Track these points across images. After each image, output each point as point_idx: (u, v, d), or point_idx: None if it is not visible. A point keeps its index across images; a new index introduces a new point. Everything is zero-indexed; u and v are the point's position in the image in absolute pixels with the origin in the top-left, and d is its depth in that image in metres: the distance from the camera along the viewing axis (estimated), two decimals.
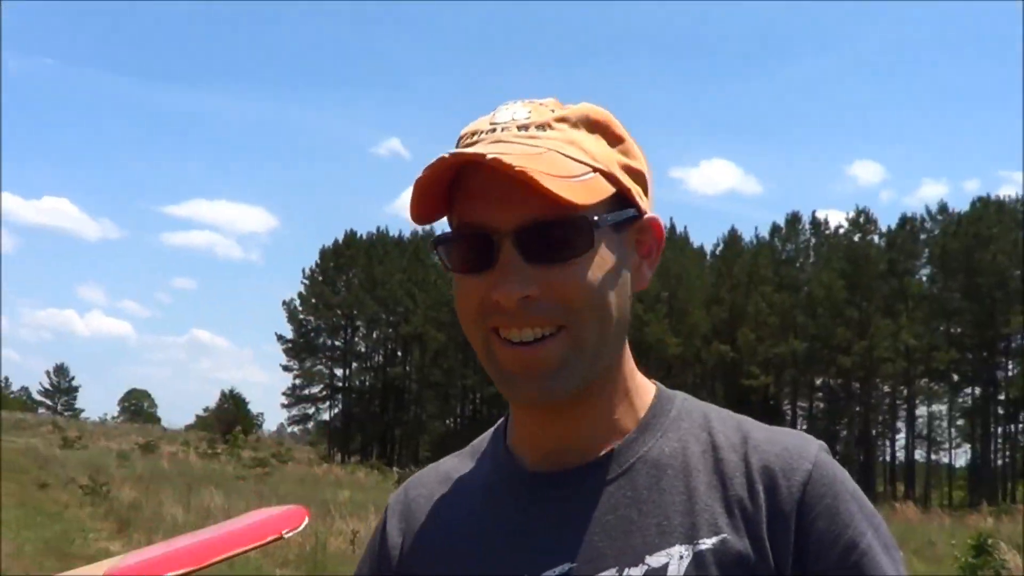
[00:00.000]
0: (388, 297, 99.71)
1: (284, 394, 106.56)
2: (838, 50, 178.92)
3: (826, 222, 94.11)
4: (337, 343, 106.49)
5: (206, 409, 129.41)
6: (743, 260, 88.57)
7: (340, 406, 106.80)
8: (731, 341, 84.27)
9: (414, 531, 1.62)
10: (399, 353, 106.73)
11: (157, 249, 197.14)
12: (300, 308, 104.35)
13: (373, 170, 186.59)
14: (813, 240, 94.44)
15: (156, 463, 43.56)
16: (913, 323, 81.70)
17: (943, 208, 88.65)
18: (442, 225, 1.47)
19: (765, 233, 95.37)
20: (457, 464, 1.68)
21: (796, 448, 1.46)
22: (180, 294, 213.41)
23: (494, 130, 1.45)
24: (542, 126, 1.44)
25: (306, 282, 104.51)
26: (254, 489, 30.85)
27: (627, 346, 1.54)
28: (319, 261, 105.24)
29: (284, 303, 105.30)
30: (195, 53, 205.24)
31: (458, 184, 1.44)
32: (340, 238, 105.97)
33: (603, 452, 1.50)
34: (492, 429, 1.68)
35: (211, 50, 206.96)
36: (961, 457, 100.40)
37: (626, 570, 1.40)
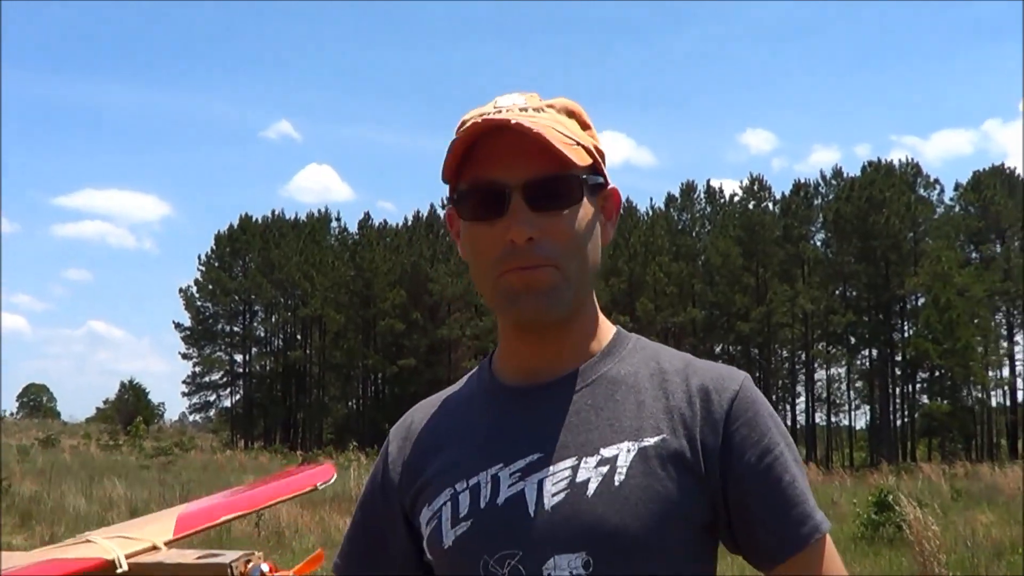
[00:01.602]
0: (286, 280, 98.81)
1: (184, 382, 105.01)
2: (726, 19, 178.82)
3: (720, 191, 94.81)
4: (236, 329, 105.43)
5: (106, 401, 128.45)
6: (639, 231, 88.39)
7: (241, 392, 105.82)
8: (630, 312, 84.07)
9: (413, 445, 1.94)
10: (299, 336, 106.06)
11: (49, 241, 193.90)
12: (197, 295, 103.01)
13: (264, 153, 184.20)
14: (708, 209, 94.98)
15: (57, 456, 43.35)
16: (809, 288, 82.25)
17: (836, 173, 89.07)
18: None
19: (660, 203, 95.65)
20: (448, 391, 2.03)
21: (728, 373, 1.83)
22: (75, 286, 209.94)
23: (500, 112, 1.76)
24: (537, 109, 1.80)
25: (202, 268, 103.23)
26: (158, 478, 30.72)
27: (593, 293, 1.90)
28: (214, 247, 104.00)
29: (181, 290, 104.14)
30: (79, 42, 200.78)
31: (469, 152, 1.77)
32: (235, 223, 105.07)
33: (571, 370, 1.84)
34: (482, 362, 2.01)
35: (95, 38, 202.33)
36: (860, 419, 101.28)
37: (584, 458, 1.72)
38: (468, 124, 1.72)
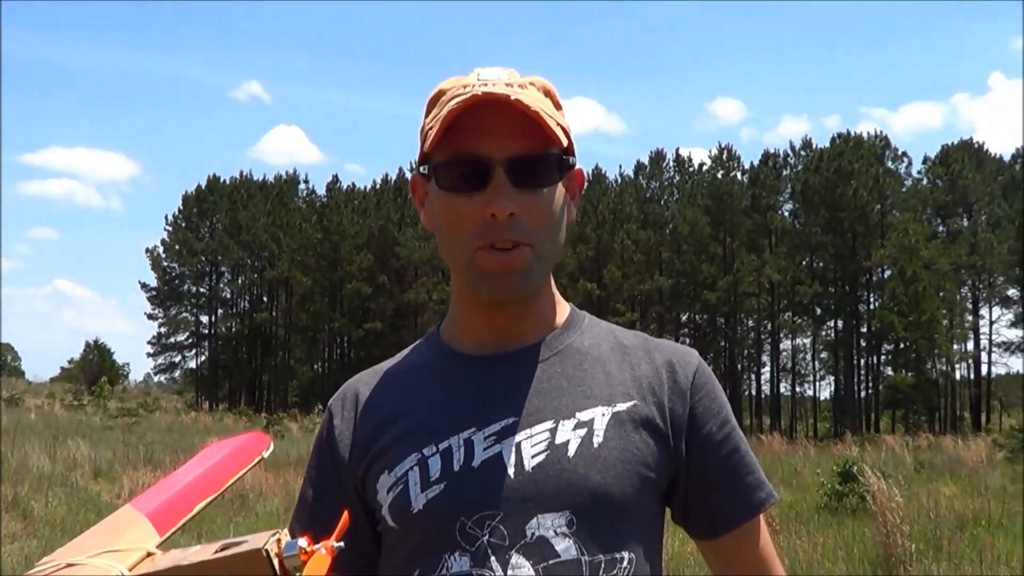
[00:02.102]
0: (253, 242, 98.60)
1: (150, 343, 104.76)
2: None
3: (689, 159, 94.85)
4: (202, 290, 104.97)
5: (71, 361, 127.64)
6: (608, 198, 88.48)
7: (207, 353, 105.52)
8: (597, 279, 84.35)
9: (363, 415, 1.91)
10: (265, 298, 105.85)
11: (15, 198, 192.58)
12: (163, 255, 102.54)
13: (233, 114, 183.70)
14: (677, 177, 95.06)
15: (21, 416, 42.70)
16: (776, 258, 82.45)
17: (805, 144, 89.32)
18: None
19: (629, 171, 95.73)
20: (392, 363, 2.01)
21: (685, 349, 1.92)
22: (41, 244, 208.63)
23: (485, 84, 1.75)
24: (521, 86, 1.78)
25: (169, 229, 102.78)
26: (122, 439, 30.65)
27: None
28: (182, 207, 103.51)
29: (147, 251, 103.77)
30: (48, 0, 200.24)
31: (453, 122, 1.73)
32: (203, 183, 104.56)
33: (536, 341, 1.87)
34: (422, 338, 2.04)
35: None
36: (825, 389, 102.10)
37: (561, 421, 1.76)
38: (459, 95, 1.72)
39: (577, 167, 1.90)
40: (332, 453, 1.92)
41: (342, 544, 1.47)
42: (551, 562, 1.67)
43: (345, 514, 1.58)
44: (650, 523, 1.80)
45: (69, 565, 1.49)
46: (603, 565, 1.69)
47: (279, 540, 1.41)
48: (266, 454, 1.89)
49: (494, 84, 1.75)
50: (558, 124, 1.77)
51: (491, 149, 1.72)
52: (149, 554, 1.50)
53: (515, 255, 1.74)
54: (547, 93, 1.84)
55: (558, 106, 1.86)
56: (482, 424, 1.78)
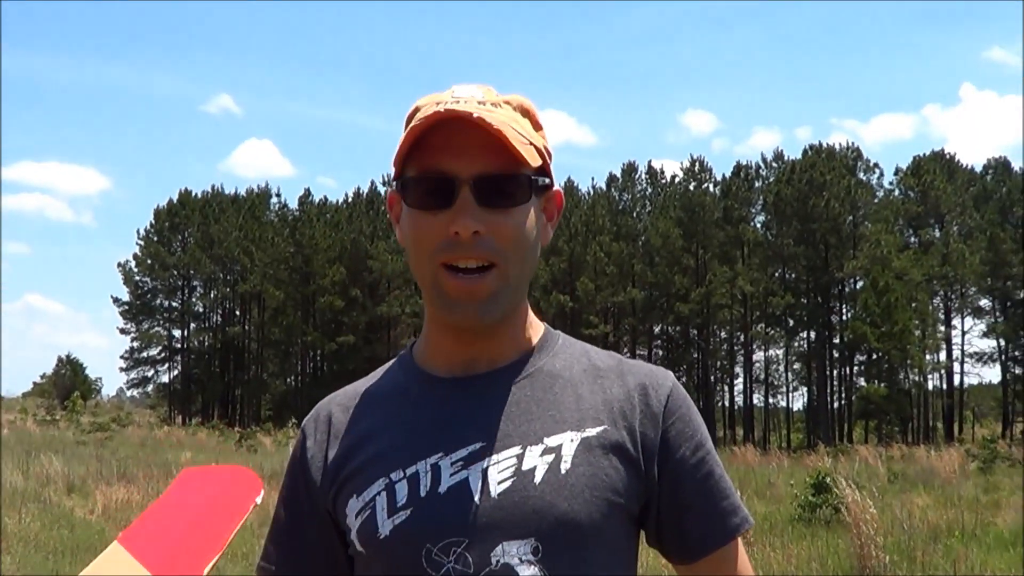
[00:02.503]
0: (225, 256, 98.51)
1: (122, 357, 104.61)
2: (669, 0, 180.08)
3: (662, 172, 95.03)
4: (174, 304, 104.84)
5: (43, 376, 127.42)
6: (580, 210, 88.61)
7: (179, 368, 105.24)
8: (570, 291, 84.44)
9: (336, 438, 1.90)
10: (237, 312, 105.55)
11: None
12: (136, 270, 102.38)
13: (205, 128, 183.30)
14: (649, 190, 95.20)
15: None
16: (749, 269, 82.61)
17: (777, 156, 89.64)
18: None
19: (602, 183, 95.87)
20: (365, 384, 1.98)
21: (660, 372, 1.89)
22: (12, 259, 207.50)
23: (458, 101, 1.74)
24: (495, 104, 1.78)
25: (141, 243, 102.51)
26: (95, 454, 30.59)
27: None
28: (153, 221, 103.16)
29: (119, 265, 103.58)
30: (17, 13, 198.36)
31: (421, 139, 1.74)
32: (174, 197, 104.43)
33: (507, 363, 1.85)
34: (395, 359, 2.02)
35: (34, 10, 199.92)
36: (798, 400, 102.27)
37: (528, 447, 1.74)
38: (429, 112, 1.71)
39: (555, 189, 1.88)
40: (304, 475, 1.91)
41: None
42: None
43: None
44: (620, 550, 1.79)
45: None
46: None
47: None
48: (259, 500, 1.93)
49: (466, 102, 1.74)
50: (531, 144, 1.76)
51: (458, 167, 1.70)
52: None
53: (478, 280, 1.73)
54: (525, 112, 1.84)
55: (537, 126, 1.85)
56: (449, 449, 1.77)
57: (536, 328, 1.93)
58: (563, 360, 1.89)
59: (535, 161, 1.74)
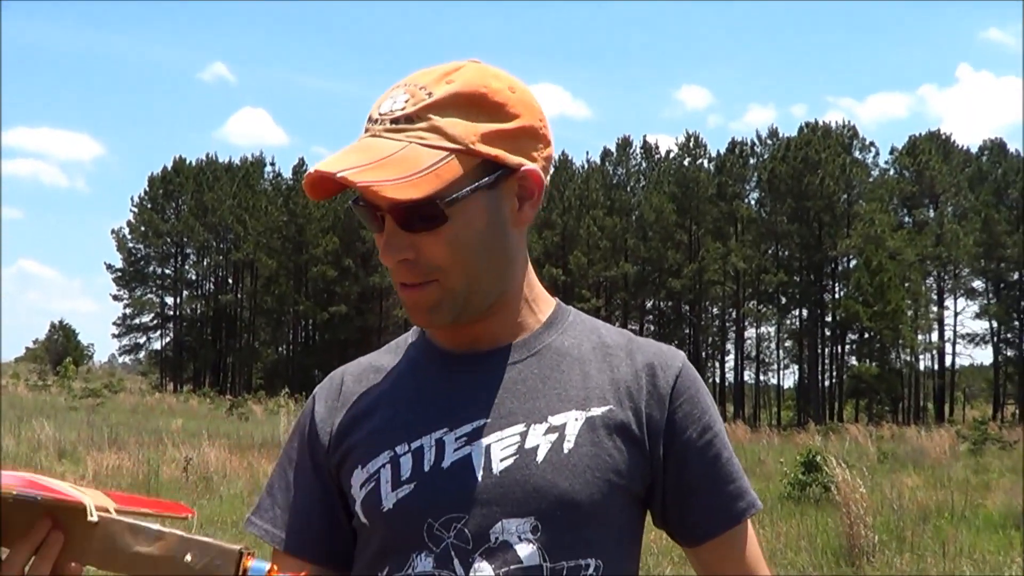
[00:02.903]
0: (218, 224, 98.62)
1: (115, 324, 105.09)
2: None
3: (656, 147, 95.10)
4: (167, 271, 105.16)
5: (36, 341, 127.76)
6: (574, 184, 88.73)
7: (171, 335, 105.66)
8: (563, 265, 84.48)
9: (345, 406, 1.89)
10: (230, 280, 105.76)
11: None
12: (129, 236, 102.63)
13: (199, 95, 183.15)
14: (643, 164, 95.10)
15: None
16: (742, 246, 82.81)
17: (772, 133, 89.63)
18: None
19: (596, 157, 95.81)
20: (379, 357, 1.98)
21: (669, 351, 1.86)
22: (6, 224, 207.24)
23: (377, 121, 1.72)
24: (411, 117, 1.69)
25: (135, 210, 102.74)
26: (86, 420, 30.55)
27: (529, 269, 1.88)
28: (147, 188, 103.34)
29: (113, 232, 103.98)
30: None
31: None
32: (168, 165, 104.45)
33: (514, 340, 1.84)
34: (411, 330, 1.99)
35: None
36: (789, 378, 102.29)
37: (532, 425, 1.73)
38: (306, 174, 1.69)
39: (524, 168, 1.77)
40: (312, 438, 1.91)
41: None
42: (512, 567, 1.66)
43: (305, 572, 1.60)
44: (622, 531, 1.77)
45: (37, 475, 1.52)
46: (565, 572, 1.68)
47: (250, 555, 1.44)
48: (185, 516, 1.75)
49: (380, 121, 1.71)
50: (458, 150, 1.68)
51: (378, 197, 1.67)
52: (106, 510, 1.51)
53: (417, 292, 1.73)
54: (469, 101, 1.73)
55: (489, 109, 1.75)
56: (454, 424, 1.76)
57: (545, 304, 1.91)
58: (572, 337, 1.88)
59: (439, 182, 1.65)
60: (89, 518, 1.42)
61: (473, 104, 1.73)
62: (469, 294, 1.74)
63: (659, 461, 1.78)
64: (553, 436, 1.73)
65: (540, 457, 1.71)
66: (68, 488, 1.50)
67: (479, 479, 1.70)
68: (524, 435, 1.73)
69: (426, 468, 1.74)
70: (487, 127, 1.73)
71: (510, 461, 1.71)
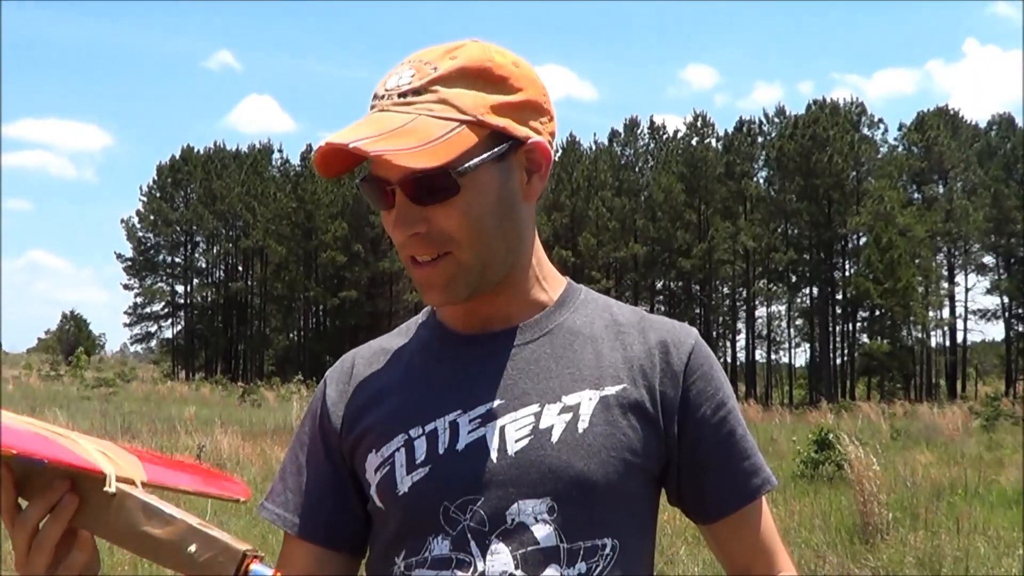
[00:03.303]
0: (227, 211, 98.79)
1: (126, 313, 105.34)
2: None
3: (664, 127, 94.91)
4: (177, 260, 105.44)
5: (47, 331, 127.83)
6: (582, 165, 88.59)
7: (183, 323, 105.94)
8: (572, 246, 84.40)
9: (356, 389, 1.90)
10: (240, 268, 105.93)
11: None
12: (139, 226, 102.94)
13: (205, 84, 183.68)
14: (651, 144, 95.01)
15: None
16: (751, 225, 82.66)
17: (779, 111, 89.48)
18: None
19: (604, 138, 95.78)
20: (390, 340, 1.98)
21: (682, 328, 1.86)
22: (15, 215, 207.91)
23: (384, 97, 1.71)
24: (418, 91, 1.70)
25: (144, 199, 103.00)
26: (99, 409, 30.74)
27: (537, 246, 1.88)
28: (156, 177, 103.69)
29: (122, 221, 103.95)
30: None
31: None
32: (176, 153, 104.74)
33: (525, 320, 1.84)
34: (421, 312, 2.00)
35: None
36: (800, 356, 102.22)
37: (547, 405, 1.73)
38: (317, 148, 1.68)
39: (531, 141, 1.78)
40: (324, 422, 1.91)
41: None
42: (529, 548, 1.66)
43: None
44: (638, 509, 1.76)
45: (72, 440, 1.54)
46: (583, 552, 1.68)
47: (256, 558, 1.45)
48: (241, 499, 1.85)
49: (387, 96, 1.71)
50: (466, 121, 1.69)
51: (388, 171, 1.68)
52: (133, 483, 1.52)
53: (433, 268, 1.72)
54: (476, 74, 1.74)
55: (494, 82, 1.76)
56: (468, 406, 1.76)
57: (556, 283, 1.91)
58: (584, 316, 1.87)
59: (451, 152, 1.66)
60: (106, 488, 1.47)
61: (479, 77, 1.73)
62: (483, 267, 1.74)
63: (674, 439, 1.78)
64: (567, 416, 1.72)
65: (555, 437, 1.70)
66: (95, 452, 1.53)
67: (494, 460, 1.70)
68: (538, 415, 1.73)
69: (441, 451, 1.74)
70: (496, 100, 1.73)
71: (525, 442, 1.71)
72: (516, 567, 1.66)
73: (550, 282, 1.90)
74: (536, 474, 1.69)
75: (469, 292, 1.75)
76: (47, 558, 1.56)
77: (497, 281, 1.78)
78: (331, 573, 1.88)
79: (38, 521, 1.55)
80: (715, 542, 1.86)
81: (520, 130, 1.76)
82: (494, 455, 1.71)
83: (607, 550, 1.70)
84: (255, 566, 1.43)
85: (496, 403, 1.75)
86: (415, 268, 1.74)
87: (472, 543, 1.68)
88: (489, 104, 1.72)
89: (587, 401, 1.74)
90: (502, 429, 1.73)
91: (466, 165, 1.68)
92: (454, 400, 1.77)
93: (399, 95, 1.70)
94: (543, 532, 1.67)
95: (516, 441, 1.71)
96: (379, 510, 1.80)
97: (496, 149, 1.72)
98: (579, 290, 1.93)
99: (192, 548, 1.43)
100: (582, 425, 1.71)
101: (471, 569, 1.67)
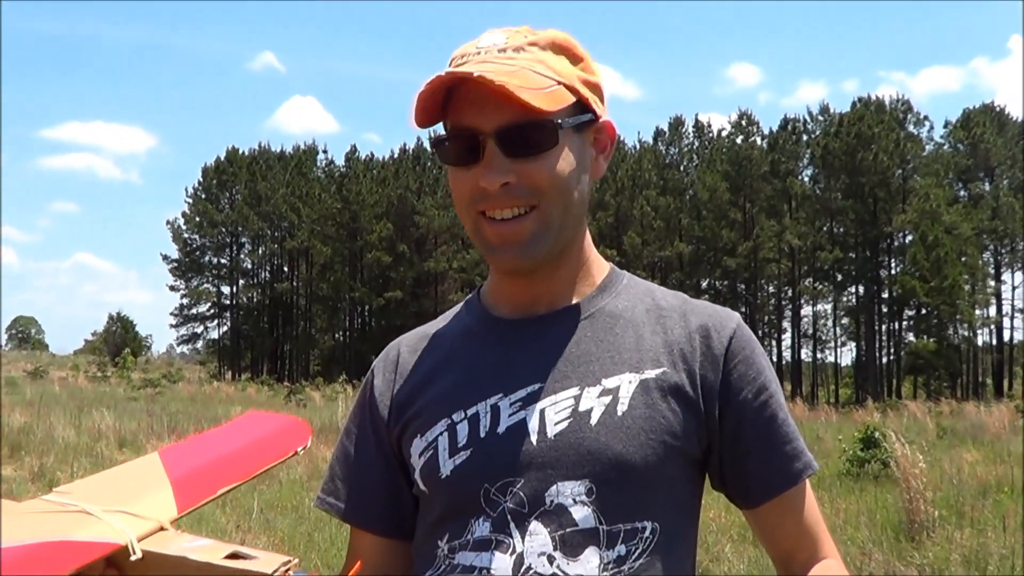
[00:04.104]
0: (272, 212, 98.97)
1: (172, 314, 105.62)
2: None
3: (708, 125, 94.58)
4: (223, 261, 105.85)
5: (94, 333, 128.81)
6: (627, 164, 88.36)
7: (228, 324, 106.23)
8: (617, 246, 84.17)
9: (402, 377, 1.95)
10: (285, 268, 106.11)
11: (35, 173, 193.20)
12: (184, 227, 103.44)
13: (249, 85, 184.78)
14: (696, 143, 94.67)
15: (46, 388, 42.81)
16: (797, 223, 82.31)
17: (824, 109, 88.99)
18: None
19: (648, 137, 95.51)
20: (434, 326, 2.04)
21: (724, 312, 1.88)
22: (62, 218, 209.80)
23: (479, 53, 1.76)
24: (517, 49, 1.76)
25: (189, 201, 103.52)
26: (146, 409, 30.68)
27: (586, 228, 1.92)
28: (201, 179, 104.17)
29: (168, 222, 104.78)
30: None
31: (450, 96, 1.75)
32: (221, 155, 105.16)
33: (568, 304, 1.87)
34: (463, 300, 2.05)
35: None
36: (846, 355, 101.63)
37: (587, 388, 1.75)
38: (433, 76, 1.71)
39: (602, 120, 1.86)
40: (372, 411, 1.95)
41: None
42: (568, 530, 1.68)
43: (359, 563, 1.67)
44: (679, 492, 1.77)
45: (83, 512, 1.57)
46: (622, 534, 1.69)
47: (288, 570, 1.45)
48: (301, 450, 1.95)
49: (487, 51, 1.76)
50: (558, 83, 1.75)
51: (481, 121, 1.72)
52: (162, 528, 1.55)
53: (514, 225, 1.75)
54: (558, 48, 1.81)
55: (576, 59, 1.84)
56: (509, 390, 1.79)
57: (600, 268, 1.94)
58: (626, 300, 1.89)
59: (560, 103, 1.73)
60: (132, 558, 1.51)
61: (565, 51, 1.82)
62: (561, 227, 1.78)
63: (715, 423, 1.78)
64: (607, 399, 1.74)
65: (594, 420, 1.72)
66: (107, 519, 1.55)
67: (534, 443, 1.72)
68: (578, 398, 1.75)
69: (482, 434, 1.77)
70: (581, 74, 1.82)
71: (564, 424, 1.73)
72: (555, 548, 1.67)
73: (595, 267, 1.93)
74: (575, 456, 1.70)
75: (546, 253, 1.78)
76: None
77: (561, 250, 1.82)
78: (392, 559, 1.92)
79: None
80: (759, 527, 1.87)
81: (599, 107, 1.84)
82: (534, 438, 1.73)
83: (647, 532, 1.71)
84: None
85: (537, 386, 1.78)
86: (490, 226, 1.76)
87: (512, 524, 1.70)
88: (577, 75, 1.80)
89: (627, 384, 1.75)
90: (542, 412, 1.75)
91: (567, 120, 1.75)
92: (496, 384, 1.81)
93: (499, 50, 1.76)
94: (581, 514, 1.68)
95: (556, 424, 1.73)
96: (423, 494, 1.84)
97: (584, 117, 1.80)
98: (622, 275, 1.96)
99: None
100: (621, 408, 1.73)
101: (510, 550, 1.69)
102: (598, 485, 1.69)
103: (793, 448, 1.82)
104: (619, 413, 1.73)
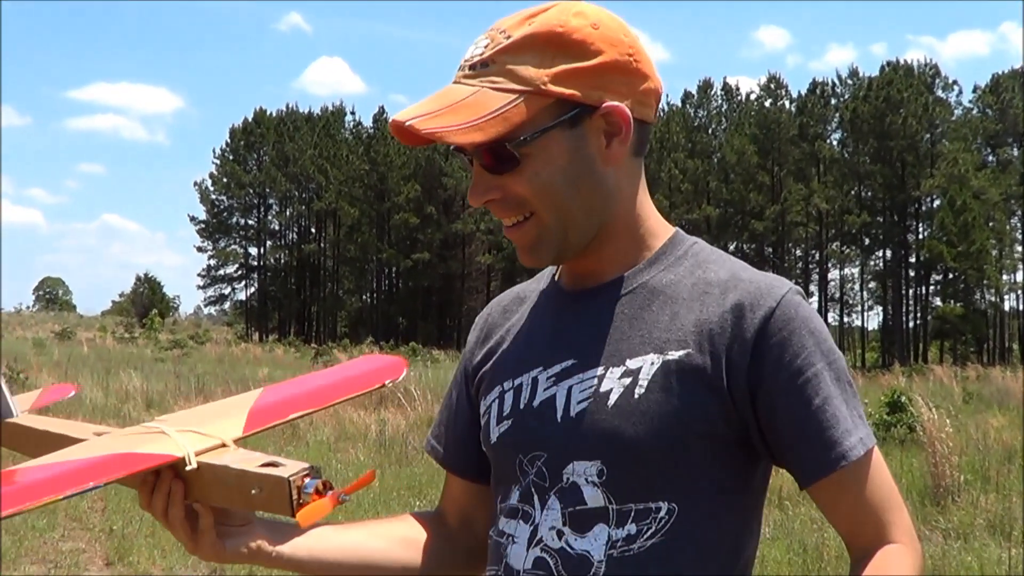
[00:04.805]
0: (300, 173, 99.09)
1: (199, 275, 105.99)
2: None
3: (737, 88, 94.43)
4: (250, 222, 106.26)
5: (122, 294, 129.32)
6: (655, 127, 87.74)
7: (256, 285, 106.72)
8: None
9: (488, 338, 2.01)
10: (313, 230, 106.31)
11: (62, 134, 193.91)
12: (212, 188, 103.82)
13: (276, 46, 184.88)
14: (724, 106, 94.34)
15: (73, 349, 43.23)
16: (825, 187, 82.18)
17: (853, 73, 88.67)
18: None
19: (676, 100, 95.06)
20: (527, 286, 2.06)
21: (768, 287, 1.74)
22: (88, 179, 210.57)
23: (460, 68, 1.77)
24: (487, 62, 1.73)
25: (217, 162, 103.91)
26: (173, 370, 30.72)
27: (637, 199, 1.84)
28: (229, 140, 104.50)
29: (195, 184, 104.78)
30: None
31: None
32: (249, 116, 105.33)
33: (615, 277, 1.83)
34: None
35: None
36: (873, 319, 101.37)
37: (610, 368, 1.74)
38: (392, 118, 1.76)
39: (606, 105, 1.74)
40: (466, 364, 2.05)
41: (349, 498, 1.58)
42: (577, 508, 1.72)
43: (370, 471, 1.69)
44: (703, 475, 1.72)
45: (161, 432, 1.73)
46: (634, 513, 1.70)
47: (305, 476, 1.55)
48: (390, 383, 2.00)
49: (466, 65, 1.76)
50: (531, 90, 1.70)
51: (463, 140, 1.70)
52: (223, 444, 1.66)
53: (518, 231, 1.78)
54: (548, 42, 1.72)
55: (567, 48, 1.73)
56: (548, 364, 1.81)
57: (656, 237, 1.87)
58: (673, 274, 1.82)
59: (502, 128, 1.68)
60: (187, 468, 1.62)
61: (549, 44, 1.73)
62: (565, 230, 1.76)
63: (747, 407, 1.71)
64: (627, 380, 1.73)
65: (611, 401, 1.72)
66: (175, 435, 1.67)
67: (558, 420, 1.75)
68: (601, 378, 1.75)
69: (521, 405, 1.82)
70: (562, 67, 1.72)
71: (585, 404, 1.74)
72: (564, 524, 1.72)
73: (649, 239, 1.86)
74: (591, 437, 1.72)
75: (555, 254, 1.79)
76: (182, 533, 1.72)
77: (584, 243, 1.79)
78: (482, 505, 1.99)
79: (164, 507, 1.70)
80: (819, 504, 1.78)
81: (591, 95, 1.74)
82: (559, 415, 1.76)
83: (662, 513, 1.71)
84: (304, 483, 1.57)
85: (570, 362, 1.79)
86: (507, 232, 1.80)
87: (535, 497, 1.77)
88: (552, 72, 1.72)
89: (648, 366, 1.72)
90: (570, 389, 1.77)
91: (523, 137, 1.69)
92: (540, 356, 1.83)
93: (470, 67, 1.75)
94: (591, 493, 1.72)
95: (578, 403, 1.75)
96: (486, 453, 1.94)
97: (563, 118, 1.73)
98: (683, 243, 1.88)
99: (254, 491, 1.58)
100: (639, 391, 1.71)
101: (531, 520, 1.77)
102: (609, 467, 1.71)
103: (828, 437, 1.69)
104: (636, 396, 1.71)
